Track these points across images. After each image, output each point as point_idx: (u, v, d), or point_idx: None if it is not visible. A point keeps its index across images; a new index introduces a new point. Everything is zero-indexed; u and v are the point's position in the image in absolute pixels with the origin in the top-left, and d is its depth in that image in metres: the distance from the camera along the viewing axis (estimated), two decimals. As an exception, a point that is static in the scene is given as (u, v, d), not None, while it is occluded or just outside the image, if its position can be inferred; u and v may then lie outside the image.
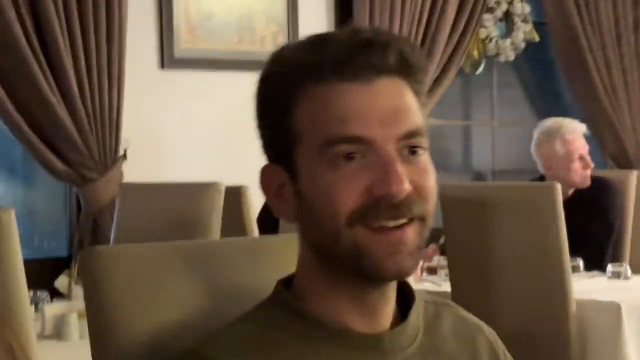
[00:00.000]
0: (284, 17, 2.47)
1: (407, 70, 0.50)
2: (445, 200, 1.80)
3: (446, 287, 1.87)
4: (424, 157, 0.51)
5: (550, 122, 2.21)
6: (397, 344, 0.55)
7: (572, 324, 1.71)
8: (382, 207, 0.47)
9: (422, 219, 0.50)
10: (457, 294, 1.77)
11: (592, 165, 2.13)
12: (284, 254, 0.67)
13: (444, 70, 2.74)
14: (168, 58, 2.37)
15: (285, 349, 0.54)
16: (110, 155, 2.24)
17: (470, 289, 1.79)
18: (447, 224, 1.91)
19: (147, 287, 0.66)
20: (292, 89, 0.49)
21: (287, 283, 0.58)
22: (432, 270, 2.05)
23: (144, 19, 2.32)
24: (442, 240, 2.07)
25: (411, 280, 0.61)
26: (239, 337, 0.55)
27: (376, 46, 0.48)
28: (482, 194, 1.93)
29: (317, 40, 0.50)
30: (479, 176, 3.32)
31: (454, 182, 2.73)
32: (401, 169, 0.47)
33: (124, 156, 2.27)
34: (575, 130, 2.18)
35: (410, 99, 0.50)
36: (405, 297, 0.57)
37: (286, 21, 2.48)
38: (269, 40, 2.42)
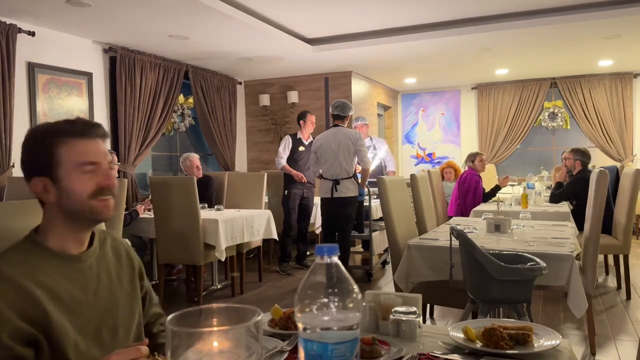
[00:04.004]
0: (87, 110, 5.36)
1: (104, 137, 1.16)
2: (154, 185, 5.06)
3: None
4: (115, 169, 1.17)
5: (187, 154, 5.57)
6: (87, 257, 1.16)
7: (200, 227, 5.06)
8: (104, 191, 1.12)
9: (114, 196, 1.15)
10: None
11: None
12: (37, 212, 1.14)
13: (156, 136, 5.98)
14: (34, 125, 4.86)
15: (35, 265, 1.07)
16: (6, 165, 4.49)
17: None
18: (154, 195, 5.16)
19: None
20: (54, 140, 1.08)
21: (36, 230, 1.13)
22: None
23: (23, 109, 4.70)
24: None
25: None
26: (11, 258, 1.07)
27: (95, 127, 1.14)
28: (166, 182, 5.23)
29: (70, 120, 1.12)
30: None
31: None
32: (111, 174, 1.10)
33: (13, 165, 4.48)
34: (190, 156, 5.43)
35: (105, 148, 1.16)
36: (93, 233, 1.17)
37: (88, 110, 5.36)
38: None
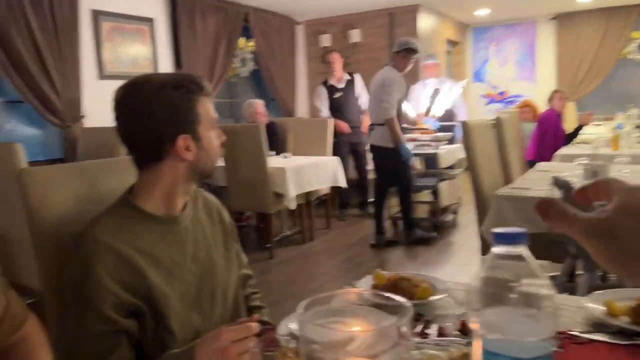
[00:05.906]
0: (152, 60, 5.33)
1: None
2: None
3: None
4: None
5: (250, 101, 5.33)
6: (183, 218, 1.10)
7: (269, 176, 4.93)
8: (221, 147, 1.12)
9: None
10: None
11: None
12: (129, 170, 1.06)
13: (219, 82, 5.87)
14: (101, 75, 4.83)
15: (132, 231, 1.00)
16: (76, 115, 4.62)
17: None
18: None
19: (58, 191, 1.05)
20: (196, 98, 1.03)
21: (129, 191, 1.05)
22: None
23: (91, 56, 4.66)
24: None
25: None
26: (109, 225, 0.99)
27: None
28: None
29: (192, 76, 1.05)
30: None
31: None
32: None
33: (83, 116, 4.62)
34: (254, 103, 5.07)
35: None
36: None
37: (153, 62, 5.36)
38: (149, 70, 5.21)
